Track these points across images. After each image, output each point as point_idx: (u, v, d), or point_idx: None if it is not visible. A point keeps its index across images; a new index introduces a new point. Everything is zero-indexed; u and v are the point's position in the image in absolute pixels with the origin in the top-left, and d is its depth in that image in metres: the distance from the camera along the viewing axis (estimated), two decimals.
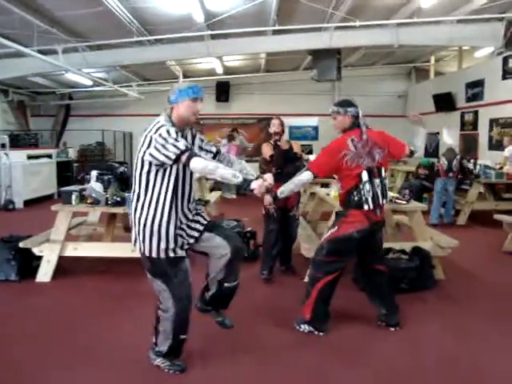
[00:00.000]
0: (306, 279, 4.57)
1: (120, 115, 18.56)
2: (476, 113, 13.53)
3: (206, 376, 3.42)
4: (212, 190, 11.57)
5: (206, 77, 17.61)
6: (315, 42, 12.06)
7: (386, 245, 5.48)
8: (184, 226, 3.35)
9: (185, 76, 17.10)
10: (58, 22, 10.70)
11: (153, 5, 9.94)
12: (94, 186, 5.63)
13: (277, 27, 11.13)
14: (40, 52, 10.80)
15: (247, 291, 5.16)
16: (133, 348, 3.78)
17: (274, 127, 5.86)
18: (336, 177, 4.27)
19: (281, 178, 5.65)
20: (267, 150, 5.83)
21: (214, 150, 3.65)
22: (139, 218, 3.24)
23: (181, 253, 3.30)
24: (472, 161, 9.57)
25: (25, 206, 11.55)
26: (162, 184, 3.22)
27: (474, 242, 7.71)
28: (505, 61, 11.91)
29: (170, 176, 3.22)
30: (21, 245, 5.57)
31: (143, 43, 12.09)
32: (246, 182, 3.23)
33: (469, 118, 14.00)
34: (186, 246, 3.35)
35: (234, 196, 13.14)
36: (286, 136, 6.07)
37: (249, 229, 6.87)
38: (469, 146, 13.77)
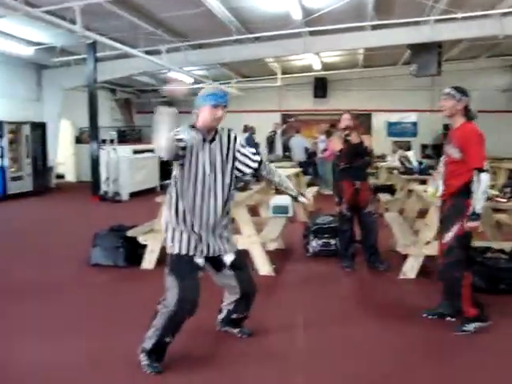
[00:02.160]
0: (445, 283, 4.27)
1: None
2: None
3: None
4: (309, 185, 11.66)
5: (304, 73, 17.70)
6: (415, 35, 11.78)
7: (484, 244, 5.38)
8: (203, 234, 3.41)
9: (283, 72, 17.26)
10: (161, 24, 11.22)
11: (251, 4, 10.20)
12: None
13: (375, 22, 11.02)
14: (145, 52, 11.38)
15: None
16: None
17: (344, 122, 5.86)
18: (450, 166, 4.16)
19: (350, 173, 5.82)
20: (335, 144, 5.94)
21: (258, 158, 3.65)
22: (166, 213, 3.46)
23: (198, 260, 3.40)
24: None
25: (130, 198, 12.19)
26: (178, 183, 3.41)
27: None
28: None
29: (186, 173, 3.37)
30: (128, 234, 5.96)
31: (242, 41, 12.39)
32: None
33: None
34: (202, 254, 3.42)
35: (331, 192, 13.13)
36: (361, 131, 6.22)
37: None
38: None
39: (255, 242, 5.68)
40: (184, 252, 3.34)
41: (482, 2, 10.59)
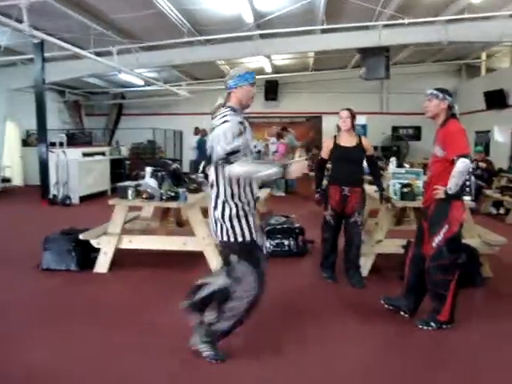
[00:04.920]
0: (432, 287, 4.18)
1: (170, 114, 19.03)
2: None
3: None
4: (261, 186, 11.73)
5: (255, 76, 17.77)
6: (363, 40, 12.07)
7: None
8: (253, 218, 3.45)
9: None
10: (112, 25, 11.12)
11: (204, 6, 10.21)
12: (149, 181, 5.88)
13: (325, 26, 11.21)
14: (96, 54, 11.23)
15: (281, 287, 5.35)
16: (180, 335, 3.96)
17: (341, 120, 5.41)
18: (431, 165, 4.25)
19: (338, 177, 5.33)
20: (326, 148, 5.48)
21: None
22: (222, 210, 3.37)
23: (260, 243, 3.47)
24: None
25: (80, 202, 11.99)
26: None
27: None
28: None
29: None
30: (81, 237, 5.86)
31: (194, 43, 12.40)
32: (284, 167, 3.23)
33: None
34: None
35: (283, 194, 13.27)
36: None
37: (297, 225, 6.99)
38: None
39: (209, 244, 5.71)
40: (251, 238, 3.38)
41: (428, 9, 10.95)
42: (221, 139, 3.18)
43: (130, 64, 12.94)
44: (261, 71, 17.08)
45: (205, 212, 6.15)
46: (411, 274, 4.39)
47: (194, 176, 6.73)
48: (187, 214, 5.94)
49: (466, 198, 4.36)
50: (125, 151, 16.31)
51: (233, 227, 3.34)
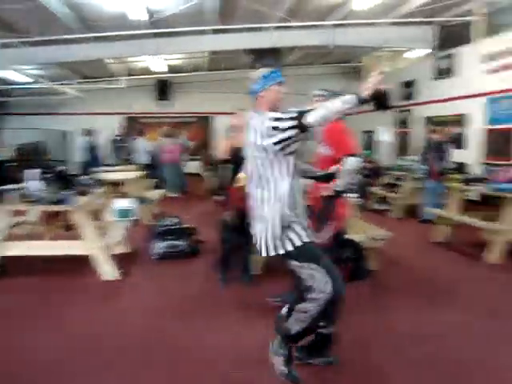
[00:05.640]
0: None
1: (59, 114, 18.25)
2: (409, 111, 14.07)
3: None
4: (155, 188, 11.55)
5: (148, 75, 17.53)
6: (256, 41, 12.27)
7: None
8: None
9: (127, 74, 16.95)
10: None
11: (92, 2, 9.86)
12: (34, 184, 5.59)
13: (218, 26, 11.26)
14: None
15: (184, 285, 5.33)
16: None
17: (234, 119, 5.41)
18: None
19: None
20: (224, 147, 5.44)
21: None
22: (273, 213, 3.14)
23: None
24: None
25: None
26: (286, 171, 3.14)
27: (407, 234, 8.21)
28: (435, 62, 12.49)
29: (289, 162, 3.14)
30: None
31: (82, 40, 11.92)
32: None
33: (403, 117, 14.53)
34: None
35: (177, 195, 13.13)
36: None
37: (189, 225, 6.96)
38: (403, 143, 14.34)
39: (98, 247, 5.54)
40: (308, 239, 3.17)
41: (316, 13, 11.32)
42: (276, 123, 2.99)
43: (12, 59, 12.24)
44: (154, 71, 16.85)
45: (94, 215, 6.03)
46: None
47: (82, 178, 6.50)
48: (74, 217, 5.71)
49: (351, 196, 4.53)
50: (9, 152, 15.39)
51: (293, 232, 3.14)
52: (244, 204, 5.13)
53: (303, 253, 3.14)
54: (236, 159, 5.23)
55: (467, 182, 7.47)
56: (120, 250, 5.96)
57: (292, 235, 3.13)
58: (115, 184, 8.92)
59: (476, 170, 10.14)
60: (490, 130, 10.68)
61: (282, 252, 3.14)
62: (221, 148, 5.49)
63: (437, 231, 7.67)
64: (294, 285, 4.48)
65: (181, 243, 6.58)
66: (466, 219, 7.04)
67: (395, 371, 3.49)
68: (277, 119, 2.99)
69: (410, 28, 12.37)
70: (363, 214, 7.64)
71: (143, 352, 3.74)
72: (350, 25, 11.64)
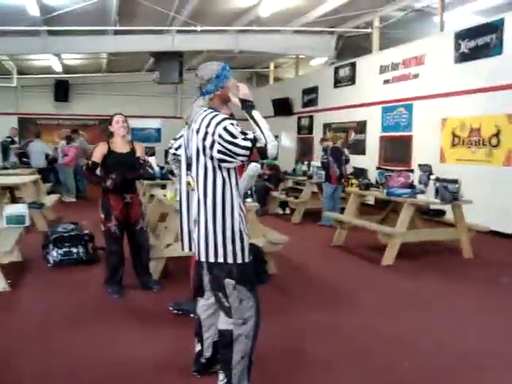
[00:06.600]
0: None
1: None
2: (311, 118, 14.43)
3: None
4: (50, 193, 11.05)
5: (44, 74, 16.84)
6: (157, 44, 12.13)
7: None
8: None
9: (21, 72, 16.22)
10: None
11: None
12: None
13: (118, 27, 10.99)
14: None
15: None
16: None
17: (117, 124, 5.09)
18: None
19: (119, 188, 4.99)
20: (100, 152, 5.06)
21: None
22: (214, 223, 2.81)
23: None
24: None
25: None
26: (230, 182, 2.84)
27: (308, 238, 8.33)
28: (336, 70, 12.90)
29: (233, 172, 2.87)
30: None
31: None
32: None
33: (305, 123, 14.90)
34: None
35: (74, 199, 12.65)
36: (129, 136, 5.27)
37: (87, 231, 6.69)
38: (305, 149, 14.68)
39: None
40: (248, 259, 2.86)
41: (221, 18, 11.35)
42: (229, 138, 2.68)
43: None
44: (50, 70, 16.20)
45: None
46: (197, 276, 4.42)
47: None
48: None
49: (248, 200, 4.53)
50: None
51: (234, 245, 2.80)
52: (123, 212, 5.04)
53: (240, 273, 2.86)
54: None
55: (364, 186, 7.73)
56: (10, 259, 5.60)
57: (239, 250, 2.85)
58: (7, 188, 8.46)
59: (374, 175, 10.56)
60: (382, 137, 11.22)
61: (224, 261, 2.84)
62: (98, 152, 5.07)
63: (336, 235, 7.84)
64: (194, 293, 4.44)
65: (78, 250, 6.30)
66: (363, 223, 7.27)
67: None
68: (232, 135, 2.69)
69: (313, 37, 12.73)
70: (264, 218, 7.71)
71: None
72: (255, 31, 11.77)
